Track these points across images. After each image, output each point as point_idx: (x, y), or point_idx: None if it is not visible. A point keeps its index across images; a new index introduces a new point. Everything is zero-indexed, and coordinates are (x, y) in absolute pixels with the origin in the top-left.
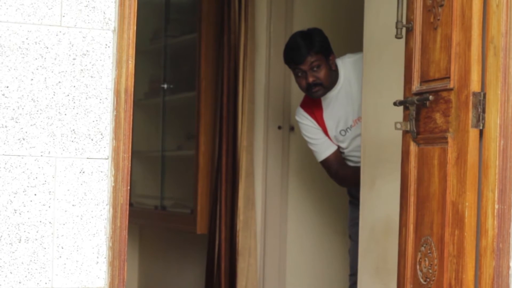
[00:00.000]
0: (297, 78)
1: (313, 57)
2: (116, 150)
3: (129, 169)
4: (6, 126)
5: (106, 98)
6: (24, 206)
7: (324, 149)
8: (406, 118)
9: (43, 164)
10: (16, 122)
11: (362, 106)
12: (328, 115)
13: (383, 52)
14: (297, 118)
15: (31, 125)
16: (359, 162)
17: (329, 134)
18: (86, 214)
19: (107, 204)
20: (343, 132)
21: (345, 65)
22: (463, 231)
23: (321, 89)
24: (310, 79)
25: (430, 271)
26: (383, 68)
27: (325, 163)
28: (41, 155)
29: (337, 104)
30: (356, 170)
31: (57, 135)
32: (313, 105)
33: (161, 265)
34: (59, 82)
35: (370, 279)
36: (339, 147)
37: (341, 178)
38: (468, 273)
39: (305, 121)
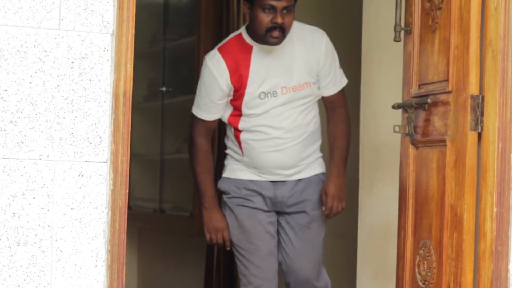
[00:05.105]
0: (261, 13)
1: None
2: (114, 154)
3: (128, 172)
4: (4, 130)
5: (104, 101)
6: (23, 209)
7: (207, 110)
8: (404, 121)
9: (42, 167)
10: (15, 125)
11: (360, 109)
12: (255, 67)
13: (381, 55)
14: (209, 62)
15: (29, 129)
16: (268, 138)
17: (245, 91)
18: (85, 217)
19: (105, 208)
20: (262, 95)
21: (300, 27)
22: (461, 234)
23: (281, 36)
24: (280, 20)
25: (429, 274)
26: (381, 71)
27: (197, 121)
28: (40, 159)
29: (270, 59)
30: (202, 181)
31: (56, 139)
32: (239, 53)
33: (159, 268)
34: (58, 85)
35: (369, 281)
36: (239, 119)
37: (192, 156)
38: (467, 276)
39: (216, 69)
